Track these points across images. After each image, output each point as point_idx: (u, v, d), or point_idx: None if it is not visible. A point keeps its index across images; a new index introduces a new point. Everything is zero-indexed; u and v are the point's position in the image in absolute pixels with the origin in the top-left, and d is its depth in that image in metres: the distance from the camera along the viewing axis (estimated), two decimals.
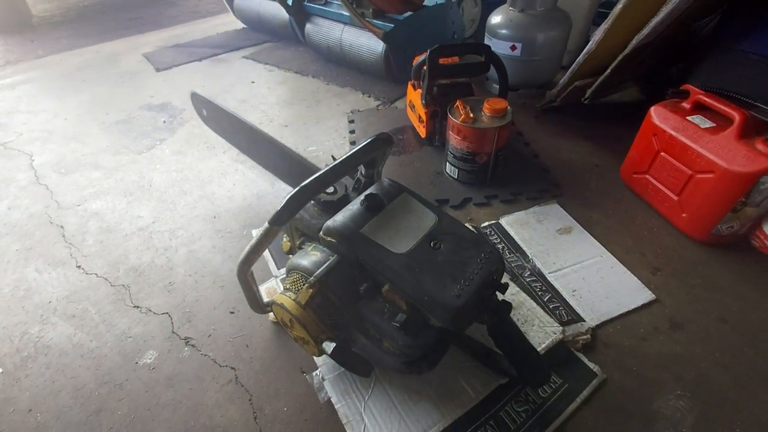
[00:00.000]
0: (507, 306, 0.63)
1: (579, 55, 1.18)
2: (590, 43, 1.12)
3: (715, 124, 0.92)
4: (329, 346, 0.60)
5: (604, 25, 1.05)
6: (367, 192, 0.70)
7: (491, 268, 0.63)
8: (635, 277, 0.89)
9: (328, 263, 0.65)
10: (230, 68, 2.00)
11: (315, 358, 0.77)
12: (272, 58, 2.04)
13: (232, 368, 0.78)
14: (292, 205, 0.62)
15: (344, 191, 0.77)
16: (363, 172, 0.77)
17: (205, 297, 0.91)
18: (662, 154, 0.99)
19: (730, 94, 0.96)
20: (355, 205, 0.69)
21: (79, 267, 1.00)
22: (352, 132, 1.44)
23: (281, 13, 2.04)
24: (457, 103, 1.10)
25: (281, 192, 1.19)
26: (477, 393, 0.70)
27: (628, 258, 0.94)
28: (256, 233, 1.07)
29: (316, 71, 1.87)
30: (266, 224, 0.63)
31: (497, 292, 0.64)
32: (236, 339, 0.83)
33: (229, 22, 2.60)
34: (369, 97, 1.66)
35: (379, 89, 1.69)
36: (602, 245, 0.97)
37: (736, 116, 0.86)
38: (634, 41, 0.99)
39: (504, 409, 0.68)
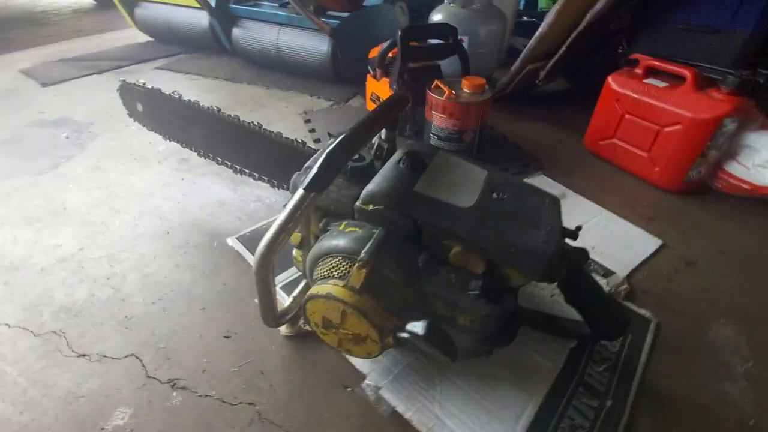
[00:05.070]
0: (585, 253, 0.57)
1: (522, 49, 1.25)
2: (542, 25, 1.19)
3: (668, 84, 1.02)
4: (418, 326, 0.47)
5: (557, 6, 1.12)
6: (405, 150, 0.60)
7: (558, 214, 0.58)
8: (639, 228, 0.92)
9: (375, 236, 0.53)
10: (142, 79, 1.72)
11: (358, 366, 0.62)
12: (193, 67, 1.82)
13: (250, 404, 0.58)
14: (333, 163, 0.49)
15: (369, 159, 0.65)
16: (383, 137, 0.67)
17: (182, 325, 0.70)
18: (627, 116, 1.06)
19: (672, 58, 1.09)
20: (390, 169, 0.58)
21: None
22: (312, 131, 1.31)
23: (197, 20, 1.85)
24: (436, 82, 1.06)
25: (248, 197, 1.01)
26: (553, 362, 0.62)
27: (623, 213, 0.97)
28: (232, 242, 0.88)
29: (251, 77, 1.70)
30: (300, 190, 0.49)
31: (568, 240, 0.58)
32: (243, 367, 0.63)
33: (126, 37, 2.27)
34: (318, 98, 1.55)
35: (328, 90, 1.59)
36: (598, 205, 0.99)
37: (688, 73, 0.97)
38: (588, 16, 1.08)
39: (587, 373, 0.61)
